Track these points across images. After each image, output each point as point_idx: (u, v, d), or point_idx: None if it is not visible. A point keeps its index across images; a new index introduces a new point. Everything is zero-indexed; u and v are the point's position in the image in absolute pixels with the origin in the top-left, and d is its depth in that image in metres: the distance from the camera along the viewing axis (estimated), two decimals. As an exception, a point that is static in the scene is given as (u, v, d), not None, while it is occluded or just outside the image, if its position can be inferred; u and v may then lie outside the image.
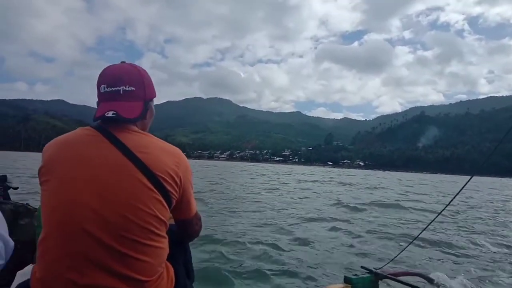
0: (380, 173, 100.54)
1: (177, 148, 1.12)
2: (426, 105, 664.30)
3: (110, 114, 1.02)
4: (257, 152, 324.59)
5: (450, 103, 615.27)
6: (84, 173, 0.98)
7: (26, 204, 2.20)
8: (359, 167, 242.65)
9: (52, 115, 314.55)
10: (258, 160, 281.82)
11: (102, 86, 1.08)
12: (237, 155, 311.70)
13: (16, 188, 2.81)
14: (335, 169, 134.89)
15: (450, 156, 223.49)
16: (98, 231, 0.94)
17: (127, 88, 1.08)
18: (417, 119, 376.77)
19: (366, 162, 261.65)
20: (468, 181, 2.50)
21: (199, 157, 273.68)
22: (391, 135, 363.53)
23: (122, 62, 1.16)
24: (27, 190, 9.82)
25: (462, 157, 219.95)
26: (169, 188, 1.03)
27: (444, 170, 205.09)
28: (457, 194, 2.59)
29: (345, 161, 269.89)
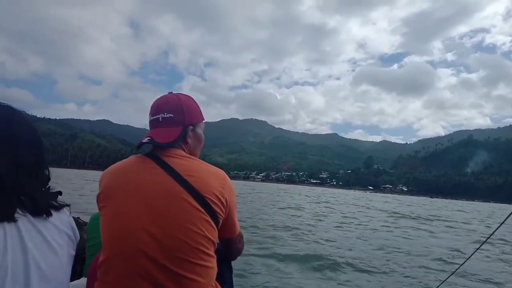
0: (433, 201, 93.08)
1: (222, 171, 1.18)
2: (471, 128, 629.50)
3: (145, 140, 1.11)
4: (293, 173, 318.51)
5: (499, 127, 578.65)
6: (138, 199, 1.06)
7: (78, 217, 2.18)
8: (402, 192, 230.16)
9: (97, 134, 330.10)
10: (294, 182, 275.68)
11: (149, 116, 1.20)
12: (273, 176, 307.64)
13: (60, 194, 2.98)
14: (379, 194, 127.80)
15: (503, 184, 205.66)
16: (154, 253, 1.01)
17: (165, 115, 1.17)
18: (464, 143, 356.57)
19: (410, 188, 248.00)
20: None
21: (235, 177, 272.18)
22: (436, 160, 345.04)
23: (169, 92, 1.26)
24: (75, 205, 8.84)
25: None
26: (216, 209, 1.09)
27: (497, 198, 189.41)
28: (502, 223, 2.41)
29: (386, 185, 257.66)
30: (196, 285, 1.05)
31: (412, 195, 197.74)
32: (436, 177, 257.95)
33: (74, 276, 1.30)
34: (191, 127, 1.22)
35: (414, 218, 20.31)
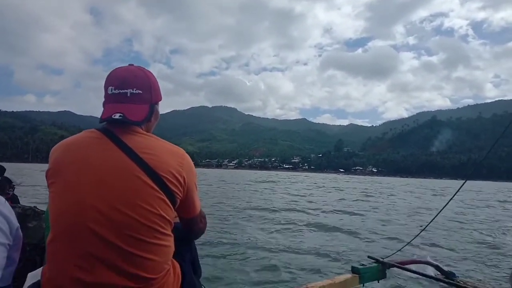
0: (401, 180, 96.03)
1: (181, 149, 1.14)
2: (433, 110, 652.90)
3: (117, 116, 1.04)
4: (266, 159, 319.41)
5: (458, 108, 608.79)
6: (89, 175, 1.01)
7: (34, 206, 2.21)
8: (372, 173, 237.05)
9: (59, 126, 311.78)
10: (267, 168, 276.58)
11: (110, 87, 1.11)
12: (246, 163, 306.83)
13: (19, 184, 2.90)
14: (351, 176, 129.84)
15: (467, 161, 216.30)
16: (105, 231, 0.97)
17: (134, 91, 1.10)
18: (428, 124, 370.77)
19: (379, 169, 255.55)
20: (462, 185, 2.83)
21: (207, 165, 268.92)
22: (403, 141, 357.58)
23: (130, 64, 1.19)
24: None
25: (479, 162, 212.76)
26: (172, 187, 1.06)
27: (462, 175, 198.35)
28: (454, 195, 2.89)
29: (357, 167, 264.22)
30: (151, 264, 1.02)
31: (382, 175, 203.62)
32: (404, 157, 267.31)
33: (35, 267, 1.27)
34: (156, 105, 1.19)
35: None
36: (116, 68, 1.16)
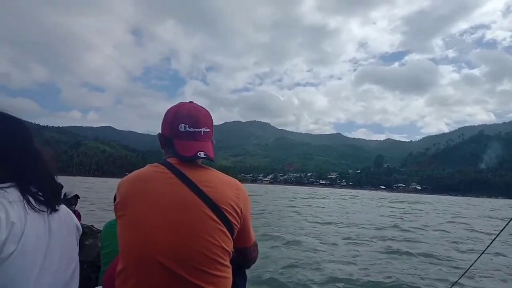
0: (452, 199, 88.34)
1: (236, 180, 1.19)
2: (477, 124, 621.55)
3: (202, 154, 1.13)
4: (301, 175, 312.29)
5: (504, 122, 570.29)
6: (155, 208, 1.07)
7: (91, 225, 2.24)
8: (416, 191, 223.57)
9: (101, 141, 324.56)
10: (302, 184, 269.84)
11: (183, 125, 1.16)
12: (281, 178, 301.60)
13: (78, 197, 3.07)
14: (395, 194, 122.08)
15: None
16: (171, 263, 1.02)
17: (205, 130, 1.19)
18: (475, 139, 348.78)
19: (423, 186, 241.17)
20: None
21: (242, 180, 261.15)
22: (447, 156, 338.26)
23: (190, 102, 1.26)
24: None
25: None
26: (231, 219, 1.10)
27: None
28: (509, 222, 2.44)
29: (399, 184, 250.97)
30: None
31: (427, 193, 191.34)
32: (451, 174, 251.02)
33: (90, 284, 1.33)
34: (213, 141, 1.25)
35: None
36: (183, 105, 1.22)
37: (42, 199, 0.94)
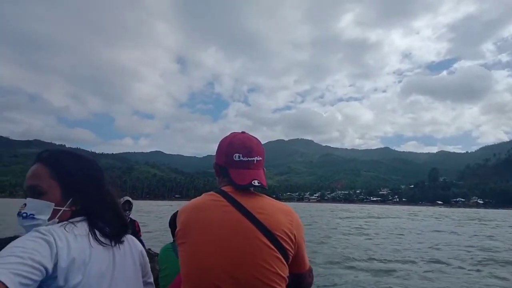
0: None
1: (289, 207, 1.22)
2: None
3: (256, 183, 1.18)
4: (350, 192, 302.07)
5: None
6: (214, 236, 1.11)
7: (149, 249, 2.09)
8: (477, 205, 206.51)
9: (151, 165, 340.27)
10: (352, 201, 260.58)
11: (237, 154, 1.22)
12: (328, 196, 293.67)
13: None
14: (456, 210, 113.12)
15: None
16: None
17: (258, 158, 1.24)
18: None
19: (486, 200, 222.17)
20: None
21: (288, 199, 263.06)
22: (510, 167, 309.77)
23: (242, 132, 1.32)
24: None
25: None
26: (286, 245, 1.12)
27: None
28: None
29: (458, 199, 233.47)
30: None
31: (490, 208, 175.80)
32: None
33: None
34: (265, 169, 1.31)
35: None
36: (236, 136, 1.28)
37: (108, 232, 1.00)
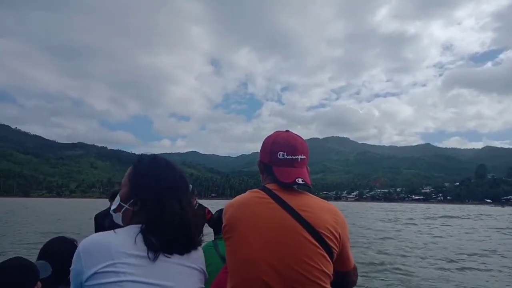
0: None
1: (334, 206, 1.23)
2: None
3: (300, 181, 1.19)
4: (390, 190, 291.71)
5: None
6: (259, 232, 1.14)
7: None
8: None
9: (188, 165, 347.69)
10: (392, 200, 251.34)
11: (281, 153, 1.24)
12: (367, 194, 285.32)
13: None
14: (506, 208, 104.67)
15: None
16: (276, 284, 1.08)
17: (302, 157, 1.26)
18: None
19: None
20: None
21: (325, 198, 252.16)
22: None
23: (286, 130, 1.34)
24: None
25: None
26: (330, 243, 1.13)
27: None
28: None
29: (509, 197, 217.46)
30: None
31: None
32: None
33: None
34: (308, 167, 1.32)
35: None
36: (280, 134, 1.31)
37: (153, 244, 0.99)
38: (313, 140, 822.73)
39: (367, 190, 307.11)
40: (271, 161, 1.26)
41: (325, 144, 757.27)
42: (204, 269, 1.15)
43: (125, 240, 0.99)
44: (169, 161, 1.17)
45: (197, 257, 1.13)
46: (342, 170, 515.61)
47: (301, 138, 1.32)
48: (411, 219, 34.49)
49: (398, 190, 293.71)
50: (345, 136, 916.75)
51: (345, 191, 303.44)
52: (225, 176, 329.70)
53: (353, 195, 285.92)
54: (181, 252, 1.05)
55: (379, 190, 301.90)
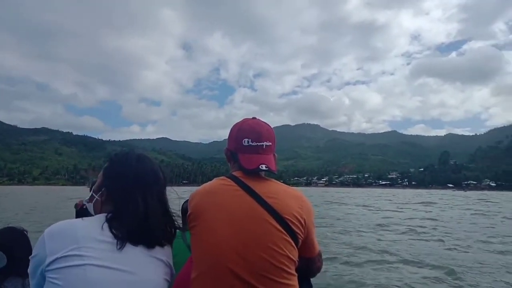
0: None
1: (299, 192, 1.24)
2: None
3: (263, 167, 1.20)
4: (359, 176, 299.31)
5: None
6: (225, 219, 1.14)
7: None
8: (490, 188, 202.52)
9: (158, 151, 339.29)
10: (360, 185, 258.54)
11: (246, 139, 1.25)
12: (337, 180, 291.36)
13: None
14: (474, 193, 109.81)
15: None
16: (242, 271, 1.09)
17: (268, 143, 1.26)
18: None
19: (499, 182, 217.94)
20: None
21: (296, 184, 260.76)
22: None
23: (253, 117, 1.34)
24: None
25: None
26: (296, 229, 1.15)
27: None
28: None
29: (469, 182, 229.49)
30: None
31: (504, 190, 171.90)
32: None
33: None
34: (275, 154, 1.32)
35: None
36: (245, 121, 1.31)
37: (115, 233, 0.99)
38: (285, 127, 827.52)
39: (337, 176, 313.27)
40: (236, 148, 1.27)
41: (297, 131, 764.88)
42: (171, 264, 1.14)
43: (91, 227, 0.99)
44: (143, 155, 1.19)
45: (165, 252, 1.12)
46: (312, 157, 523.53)
47: (268, 125, 1.32)
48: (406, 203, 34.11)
49: (366, 175, 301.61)
50: (316, 123, 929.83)
51: (316, 177, 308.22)
52: (196, 163, 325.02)
53: (323, 180, 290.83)
54: (147, 244, 1.05)
55: (348, 176, 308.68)
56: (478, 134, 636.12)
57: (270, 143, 1.27)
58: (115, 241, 0.99)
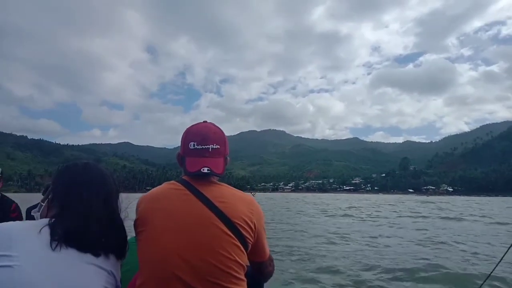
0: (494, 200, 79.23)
1: (250, 196, 1.25)
2: (499, 121, 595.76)
3: (205, 170, 1.17)
4: (324, 181, 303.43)
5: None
6: (173, 224, 1.12)
7: None
8: (447, 193, 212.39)
9: (120, 156, 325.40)
10: (325, 190, 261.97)
11: (192, 143, 1.23)
12: (303, 186, 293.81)
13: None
14: (436, 197, 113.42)
15: None
16: (189, 277, 1.07)
17: (214, 146, 1.23)
18: (505, 136, 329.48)
19: (455, 187, 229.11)
20: None
21: (263, 189, 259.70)
22: (476, 156, 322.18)
23: (204, 121, 1.32)
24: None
25: None
26: (245, 233, 1.14)
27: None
28: None
29: (428, 187, 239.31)
30: None
31: (460, 195, 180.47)
32: (485, 174, 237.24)
33: None
34: (228, 157, 1.30)
35: None
36: (194, 125, 1.30)
37: (57, 235, 0.97)
38: (251, 132, 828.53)
39: (302, 181, 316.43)
40: (184, 152, 1.26)
41: (263, 137, 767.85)
42: (117, 275, 1.08)
43: (29, 229, 0.97)
44: (92, 163, 1.18)
45: (110, 262, 1.07)
46: (278, 162, 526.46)
47: (217, 128, 1.30)
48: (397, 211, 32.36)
49: (330, 181, 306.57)
50: (281, 129, 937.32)
51: (282, 183, 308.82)
52: (161, 168, 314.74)
53: (289, 186, 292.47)
54: (84, 247, 1.01)
55: (313, 181, 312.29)
56: (433, 141, 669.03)
57: (218, 146, 1.25)
58: (52, 243, 0.96)
